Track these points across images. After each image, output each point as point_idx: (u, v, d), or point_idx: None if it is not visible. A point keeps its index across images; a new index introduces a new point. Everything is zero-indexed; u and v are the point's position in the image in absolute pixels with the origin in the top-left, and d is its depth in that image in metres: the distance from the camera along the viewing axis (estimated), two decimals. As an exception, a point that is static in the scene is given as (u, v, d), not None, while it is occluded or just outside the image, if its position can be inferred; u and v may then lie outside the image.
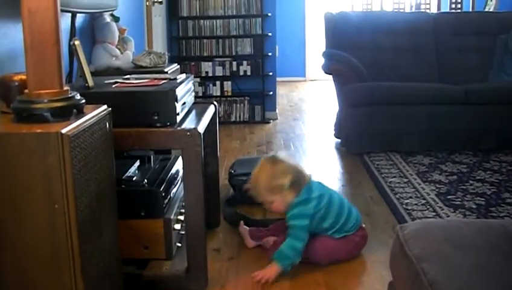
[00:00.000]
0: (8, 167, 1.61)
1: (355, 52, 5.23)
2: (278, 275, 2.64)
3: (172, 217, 2.54)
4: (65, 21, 3.03)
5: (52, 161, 1.59)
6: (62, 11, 1.89)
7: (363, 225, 2.95)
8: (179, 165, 2.95)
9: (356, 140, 4.92)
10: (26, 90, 1.75)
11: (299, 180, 2.77)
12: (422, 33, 5.61)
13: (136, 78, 2.70)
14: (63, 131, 1.59)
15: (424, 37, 5.59)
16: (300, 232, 2.71)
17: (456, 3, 8.33)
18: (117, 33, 3.70)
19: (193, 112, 2.78)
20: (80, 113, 1.80)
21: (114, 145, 2.03)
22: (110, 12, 3.65)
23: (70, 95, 1.78)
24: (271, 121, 6.58)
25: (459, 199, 3.67)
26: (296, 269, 2.75)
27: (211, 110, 2.92)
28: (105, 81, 2.65)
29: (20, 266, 1.67)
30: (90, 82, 2.48)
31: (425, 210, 3.50)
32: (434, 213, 3.44)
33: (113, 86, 2.54)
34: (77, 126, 1.68)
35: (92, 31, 3.64)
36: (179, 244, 2.63)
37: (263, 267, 2.69)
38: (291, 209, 2.75)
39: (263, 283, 2.62)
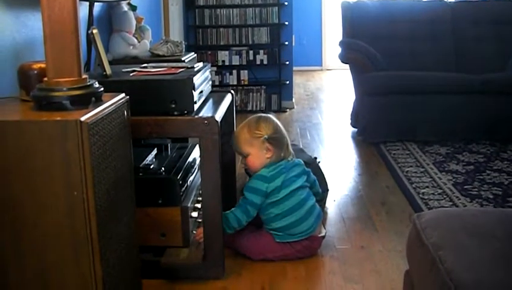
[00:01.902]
0: (28, 155, 1.63)
1: (372, 41, 5.21)
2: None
3: (189, 205, 2.56)
4: (83, 10, 3.05)
5: (71, 149, 1.61)
6: (80, 0, 1.91)
7: (319, 235, 2.82)
8: (196, 154, 2.96)
9: (373, 129, 4.91)
10: (46, 79, 1.76)
11: (279, 142, 2.76)
12: (439, 22, 5.57)
13: (154, 67, 2.72)
14: (82, 119, 1.61)
15: (441, 25, 5.56)
16: (250, 208, 2.69)
17: (474, -9, 8.25)
18: (134, 22, 3.71)
19: (210, 101, 2.79)
20: (98, 101, 1.82)
21: (132, 133, 2.04)
22: (128, 1, 3.67)
23: (88, 84, 1.79)
24: (287, 110, 6.57)
25: (476, 189, 3.66)
26: (311, 259, 2.77)
27: (227, 98, 2.93)
28: (123, 70, 2.67)
29: (39, 252, 1.69)
30: (108, 70, 2.50)
31: (441, 200, 3.49)
32: (451, 203, 3.43)
33: (131, 74, 2.56)
34: (96, 114, 1.70)
35: (110, 20, 3.66)
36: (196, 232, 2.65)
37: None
38: (252, 179, 2.75)
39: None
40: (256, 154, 2.75)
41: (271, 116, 2.85)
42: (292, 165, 2.80)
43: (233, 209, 2.70)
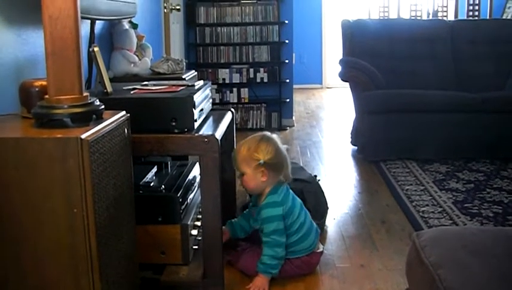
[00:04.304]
0: (28, 172, 1.63)
1: (372, 60, 5.24)
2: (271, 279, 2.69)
3: (189, 222, 2.56)
4: (85, 28, 3.06)
5: (71, 166, 1.61)
6: (82, 18, 1.92)
7: (318, 251, 2.83)
8: (196, 171, 2.97)
9: (373, 147, 4.92)
10: (47, 96, 1.77)
11: (276, 167, 2.71)
12: (439, 41, 5.60)
13: (154, 85, 2.72)
14: (83, 136, 1.61)
15: (441, 44, 5.58)
16: (277, 237, 2.67)
17: (473, 10, 8.30)
18: (135, 40, 3.72)
19: (210, 119, 2.80)
20: (99, 118, 1.82)
21: (132, 151, 2.04)
22: (129, 19, 3.68)
23: (89, 101, 1.80)
24: (288, 128, 6.58)
25: (476, 207, 3.66)
26: (311, 277, 2.76)
27: (228, 116, 2.94)
28: (124, 88, 2.68)
29: (39, 270, 1.68)
30: (109, 88, 2.51)
31: (441, 218, 3.49)
32: (451, 221, 3.43)
33: (132, 92, 2.57)
34: (96, 132, 1.70)
35: (111, 38, 3.67)
36: (196, 247, 2.64)
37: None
38: (264, 209, 2.71)
39: None
40: (251, 175, 2.72)
41: (274, 138, 2.78)
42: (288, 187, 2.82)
43: (263, 251, 2.69)
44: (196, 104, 2.46)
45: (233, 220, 2.95)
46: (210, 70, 6.56)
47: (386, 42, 5.56)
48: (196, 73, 4.09)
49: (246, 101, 6.60)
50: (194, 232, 2.61)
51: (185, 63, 3.79)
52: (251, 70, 6.55)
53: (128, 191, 2.02)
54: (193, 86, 2.68)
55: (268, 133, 2.80)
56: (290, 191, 2.81)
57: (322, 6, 10.44)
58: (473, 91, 5.02)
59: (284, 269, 2.72)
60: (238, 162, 2.74)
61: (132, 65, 3.61)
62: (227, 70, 6.55)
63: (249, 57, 6.57)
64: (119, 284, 1.91)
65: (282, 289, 2.66)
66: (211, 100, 2.92)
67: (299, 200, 2.84)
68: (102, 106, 1.86)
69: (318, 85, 10.53)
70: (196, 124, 2.47)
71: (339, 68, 5.32)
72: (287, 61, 6.59)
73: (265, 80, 6.57)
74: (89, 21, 3.08)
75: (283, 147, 2.79)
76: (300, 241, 2.74)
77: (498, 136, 4.84)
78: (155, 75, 3.57)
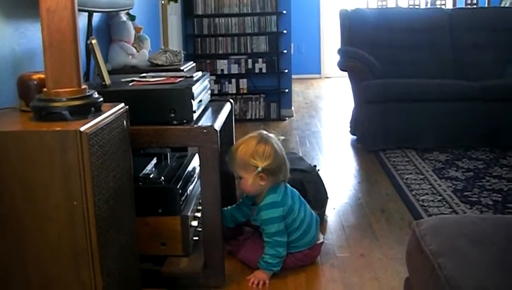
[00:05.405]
0: (28, 165, 1.63)
1: (370, 49, 5.23)
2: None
3: (189, 214, 2.56)
4: (82, 20, 3.06)
5: (71, 159, 1.61)
6: (79, 10, 1.91)
7: (318, 242, 2.82)
8: (195, 163, 2.97)
9: (372, 137, 4.92)
10: (45, 89, 1.77)
11: (275, 171, 2.66)
12: (437, 29, 5.58)
13: (153, 76, 2.72)
14: (82, 129, 1.61)
15: (439, 33, 5.57)
16: (278, 238, 2.65)
17: (471, -2, 8.29)
18: (133, 32, 3.71)
19: (209, 110, 2.80)
20: (98, 111, 1.82)
21: (131, 143, 2.04)
22: (126, 11, 3.67)
23: (88, 94, 1.80)
24: (287, 118, 6.58)
25: (476, 196, 3.66)
26: (311, 267, 2.77)
27: (227, 107, 2.94)
28: (122, 80, 2.67)
29: (41, 262, 1.69)
30: (107, 80, 2.50)
31: (441, 207, 3.49)
32: (450, 210, 3.44)
33: (130, 84, 2.56)
34: (95, 124, 1.70)
35: (109, 30, 3.67)
36: (196, 238, 2.64)
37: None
38: (263, 210, 2.68)
39: (262, 285, 2.62)
40: (249, 180, 2.66)
41: (271, 138, 2.71)
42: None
43: (265, 250, 2.67)
44: (195, 95, 2.46)
45: (224, 209, 2.85)
46: (208, 61, 6.55)
47: (384, 31, 5.54)
48: (194, 64, 4.09)
49: (245, 91, 6.60)
50: (194, 223, 2.62)
51: (183, 55, 3.78)
52: (249, 60, 6.54)
53: (128, 183, 2.02)
54: (191, 77, 2.68)
55: (265, 133, 2.74)
56: (288, 187, 2.78)
57: (320, -5, 10.42)
58: (471, 79, 5.01)
59: (286, 262, 2.71)
60: (235, 166, 2.69)
61: (130, 57, 3.60)
62: (225, 61, 6.54)
63: (247, 48, 6.56)
64: (120, 276, 1.91)
65: (283, 279, 2.66)
66: (209, 91, 2.92)
67: (297, 193, 2.82)
68: (101, 99, 1.86)
69: (317, 75, 10.51)
70: (195, 116, 2.47)
71: (337, 58, 5.31)
72: (285, 51, 6.58)
73: (264, 71, 6.56)
74: (86, 13, 3.08)
75: (281, 145, 2.75)
76: (302, 237, 2.73)
77: (497, 124, 4.84)
78: (153, 67, 3.56)
